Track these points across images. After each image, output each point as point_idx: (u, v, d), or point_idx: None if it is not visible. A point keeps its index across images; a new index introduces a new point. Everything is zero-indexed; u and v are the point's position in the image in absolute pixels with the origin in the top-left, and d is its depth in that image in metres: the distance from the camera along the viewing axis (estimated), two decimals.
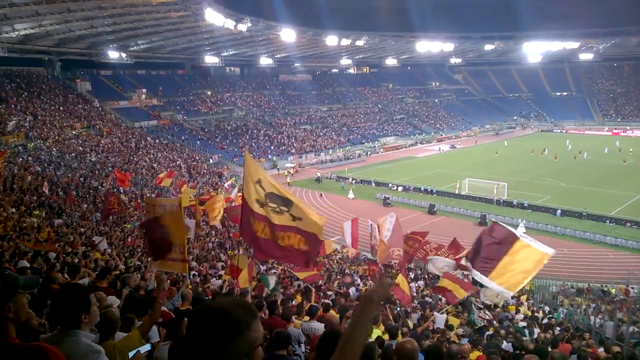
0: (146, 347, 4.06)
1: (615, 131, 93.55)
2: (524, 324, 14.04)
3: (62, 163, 41.75)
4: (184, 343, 1.68)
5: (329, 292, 15.94)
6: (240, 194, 28.70)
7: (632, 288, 24.84)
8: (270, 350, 4.86)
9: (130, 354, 3.91)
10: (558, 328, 13.55)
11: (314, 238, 7.04)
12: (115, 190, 33.72)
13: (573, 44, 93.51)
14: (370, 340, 6.40)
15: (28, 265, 10.54)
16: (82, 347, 3.11)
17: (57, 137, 47.66)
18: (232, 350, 1.60)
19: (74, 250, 16.18)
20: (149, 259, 13.76)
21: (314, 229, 7.05)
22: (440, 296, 15.62)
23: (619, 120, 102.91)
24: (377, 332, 8.25)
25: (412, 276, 22.56)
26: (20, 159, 38.62)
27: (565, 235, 35.04)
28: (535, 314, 16.45)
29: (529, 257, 9.17)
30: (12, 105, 50.58)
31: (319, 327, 7.54)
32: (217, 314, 1.64)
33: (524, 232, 33.14)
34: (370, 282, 18.89)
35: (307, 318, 9.11)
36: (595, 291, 24.30)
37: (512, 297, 20.99)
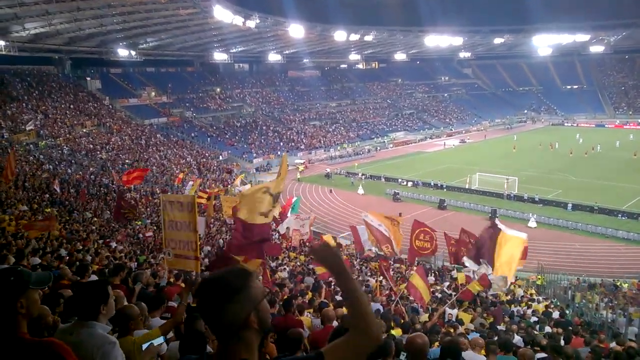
0: (159, 340, 4.12)
1: (618, 124, 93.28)
2: (535, 319, 13.99)
3: (73, 161, 42.08)
4: (197, 312, 1.89)
5: (339, 289, 15.95)
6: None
7: None
8: (286, 351, 4.81)
9: (144, 346, 3.96)
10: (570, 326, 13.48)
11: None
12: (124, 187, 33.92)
13: (583, 37, 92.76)
14: (384, 336, 6.41)
15: (38, 261, 10.67)
16: (98, 338, 3.20)
17: (67, 135, 48.04)
18: (238, 307, 1.81)
19: (85, 247, 16.32)
20: (161, 257, 13.85)
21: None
22: (450, 292, 15.65)
23: (630, 113, 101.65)
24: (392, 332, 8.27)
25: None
26: (32, 157, 38.98)
27: (577, 230, 34.72)
28: (549, 309, 16.36)
29: (512, 245, 10.02)
30: (24, 104, 51.01)
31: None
32: (214, 280, 1.86)
33: (535, 226, 33.03)
34: (381, 278, 18.88)
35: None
36: (608, 286, 24.13)
37: (524, 293, 20.93)
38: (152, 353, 3.98)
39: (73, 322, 3.42)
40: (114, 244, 18.70)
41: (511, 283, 18.47)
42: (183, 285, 10.11)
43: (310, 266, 19.91)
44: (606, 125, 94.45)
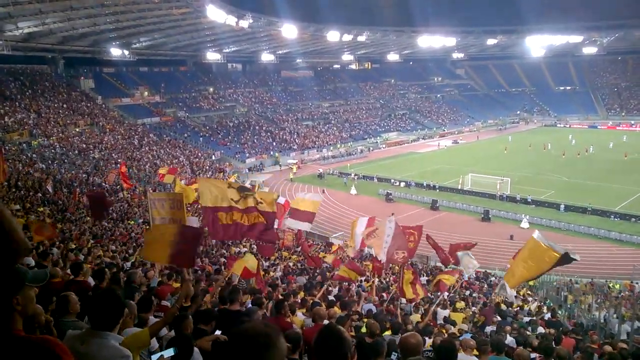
0: (169, 352, 4.08)
1: (611, 125, 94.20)
2: (527, 319, 14.04)
3: (65, 160, 41.89)
4: None
5: (331, 289, 15.97)
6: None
7: (637, 283, 24.79)
8: None
9: (154, 358, 3.93)
10: (561, 327, 13.54)
11: (270, 214, 8.65)
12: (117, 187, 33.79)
13: (576, 38, 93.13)
14: (378, 337, 6.41)
15: (33, 262, 10.59)
16: (110, 350, 3.11)
17: (60, 135, 47.81)
18: None
19: (78, 246, 16.24)
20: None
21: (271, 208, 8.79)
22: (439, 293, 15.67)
23: (623, 114, 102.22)
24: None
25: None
26: (24, 157, 38.78)
27: (569, 231, 34.88)
28: (541, 310, 16.44)
29: (536, 256, 9.30)
30: (17, 103, 50.74)
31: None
32: (249, 334, 1.93)
33: (527, 227, 33.03)
34: (376, 278, 18.88)
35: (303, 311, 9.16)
36: (599, 287, 24.26)
37: (517, 294, 21.01)
38: None
39: (85, 330, 3.35)
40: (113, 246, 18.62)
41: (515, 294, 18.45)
42: (177, 285, 10.11)
43: (302, 266, 19.89)
44: (599, 127, 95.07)
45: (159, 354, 4.00)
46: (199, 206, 25.79)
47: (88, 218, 25.01)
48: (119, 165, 42.92)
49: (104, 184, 35.66)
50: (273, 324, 2.10)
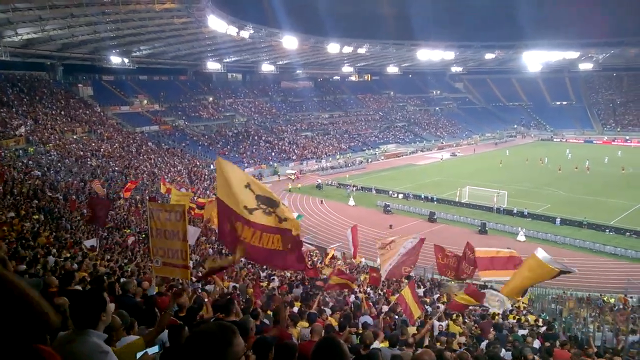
0: (154, 349, 4.08)
1: (606, 140, 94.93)
2: (523, 332, 13.99)
3: (62, 167, 41.79)
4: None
5: (327, 299, 15.92)
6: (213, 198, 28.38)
7: (631, 297, 24.82)
8: None
9: (138, 355, 3.93)
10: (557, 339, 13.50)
11: (296, 239, 6.98)
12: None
13: (573, 54, 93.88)
14: (373, 349, 6.39)
15: (25, 268, 10.57)
16: (90, 346, 3.12)
17: (57, 142, 47.69)
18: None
19: (72, 254, 16.18)
20: (150, 265, 13.75)
21: (296, 229, 7.02)
22: (440, 305, 15.65)
23: (618, 129, 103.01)
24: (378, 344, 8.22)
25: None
26: (20, 163, 38.66)
27: (565, 244, 35.02)
28: (536, 323, 16.41)
29: (535, 270, 9.21)
30: (14, 109, 50.68)
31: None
32: (206, 334, 2.13)
33: (524, 240, 33.03)
34: (369, 289, 18.85)
35: (305, 324, 9.11)
36: (595, 300, 24.24)
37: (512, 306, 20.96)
38: None
39: (70, 331, 3.38)
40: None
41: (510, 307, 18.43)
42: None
43: (300, 276, 19.86)
44: (594, 142, 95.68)
45: (142, 352, 4.00)
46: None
47: (83, 227, 24.95)
48: (115, 174, 42.91)
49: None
50: (228, 324, 2.26)
